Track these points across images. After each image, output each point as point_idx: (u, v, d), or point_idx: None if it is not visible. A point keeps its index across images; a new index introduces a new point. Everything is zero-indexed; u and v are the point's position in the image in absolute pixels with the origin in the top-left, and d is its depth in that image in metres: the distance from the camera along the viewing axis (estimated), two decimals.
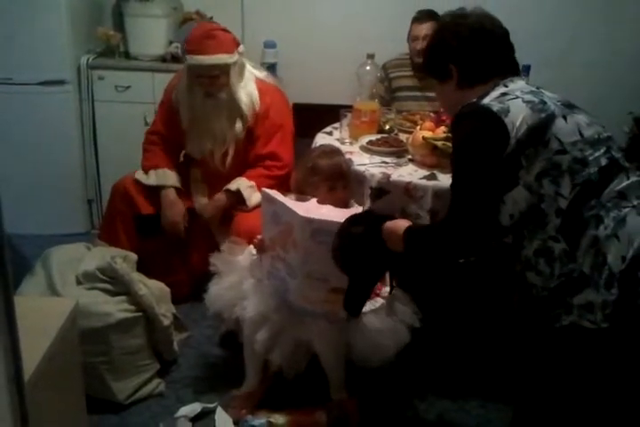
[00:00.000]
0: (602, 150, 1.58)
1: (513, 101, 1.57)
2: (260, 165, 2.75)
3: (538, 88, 1.67)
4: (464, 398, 2.42)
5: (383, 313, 2.15)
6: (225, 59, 2.59)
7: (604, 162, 1.56)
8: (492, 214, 1.57)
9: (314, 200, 2.15)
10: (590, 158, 1.55)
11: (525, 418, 1.73)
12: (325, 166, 2.17)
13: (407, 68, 3.34)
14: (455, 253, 1.68)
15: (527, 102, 1.57)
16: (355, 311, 1.94)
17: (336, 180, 2.16)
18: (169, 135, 2.86)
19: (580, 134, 1.57)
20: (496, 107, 1.55)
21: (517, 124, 1.52)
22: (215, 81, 2.62)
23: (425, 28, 3.19)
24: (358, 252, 1.82)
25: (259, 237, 2.18)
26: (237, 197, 2.70)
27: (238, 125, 2.71)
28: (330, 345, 2.16)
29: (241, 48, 2.69)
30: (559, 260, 1.53)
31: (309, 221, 1.94)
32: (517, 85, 1.64)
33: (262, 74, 2.83)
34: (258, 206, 2.59)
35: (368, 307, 2.07)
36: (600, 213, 1.52)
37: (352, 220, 1.86)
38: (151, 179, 2.79)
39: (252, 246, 2.26)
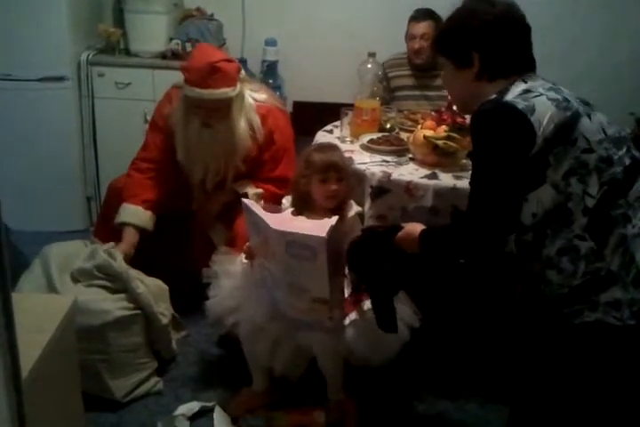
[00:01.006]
0: (624, 149, 1.57)
1: (538, 99, 1.54)
2: (270, 183, 2.70)
3: (555, 84, 1.64)
4: (463, 399, 2.41)
5: None
6: (228, 92, 2.46)
7: (627, 161, 1.56)
8: (512, 215, 1.55)
9: (289, 211, 2.14)
10: (615, 157, 1.54)
11: (534, 414, 1.71)
12: (317, 159, 2.16)
13: (405, 68, 3.34)
14: (472, 254, 1.66)
15: (552, 100, 1.54)
16: (391, 328, 1.91)
17: (328, 172, 2.14)
18: (166, 161, 2.70)
19: (604, 133, 1.56)
20: (521, 104, 1.52)
21: (544, 122, 1.50)
22: (214, 113, 2.51)
23: (422, 27, 3.20)
24: (373, 271, 1.81)
25: (247, 244, 2.16)
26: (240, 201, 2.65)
27: (237, 156, 2.60)
28: (328, 351, 2.15)
29: (242, 74, 2.58)
30: (585, 258, 1.52)
31: (282, 233, 1.90)
32: (537, 82, 1.61)
33: (261, 96, 2.67)
34: None
35: (366, 307, 2.07)
36: (628, 212, 1.52)
37: (360, 243, 1.84)
38: (120, 215, 2.61)
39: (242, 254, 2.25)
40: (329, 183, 2.14)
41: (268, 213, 2.00)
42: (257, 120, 2.59)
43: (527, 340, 1.73)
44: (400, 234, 1.75)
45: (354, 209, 2.23)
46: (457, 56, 1.68)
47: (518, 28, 1.64)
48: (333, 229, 1.84)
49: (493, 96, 1.60)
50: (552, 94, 1.56)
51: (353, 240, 1.90)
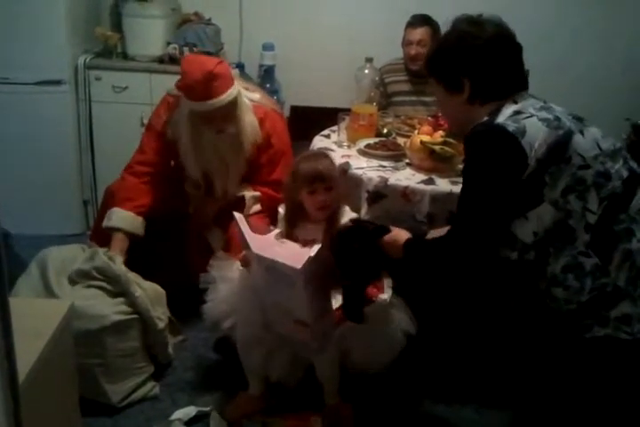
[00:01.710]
0: (620, 162, 1.57)
1: (528, 120, 1.54)
2: (267, 186, 2.69)
3: (545, 102, 1.64)
4: (458, 404, 2.41)
5: (379, 320, 2.13)
6: (231, 94, 2.45)
7: (625, 174, 1.56)
8: (495, 234, 1.56)
9: (273, 233, 2.10)
10: (612, 171, 1.55)
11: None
12: (303, 170, 2.13)
13: (402, 73, 3.34)
14: (453, 269, 1.67)
15: (543, 120, 1.54)
16: (357, 318, 1.90)
17: (314, 183, 2.11)
18: (162, 164, 2.70)
19: (599, 148, 1.56)
20: (512, 127, 1.52)
21: (536, 144, 1.50)
22: (227, 117, 2.49)
23: (419, 33, 3.19)
24: (353, 261, 1.81)
25: (244, 252, 2.15)
26: (237, 203, 2.65)
27: (242, 156, 2.61)
28: (326, 361, 2.16)
29: (235, 71, 2.60)
30: (591, 275, 1.52)
31: (261, 258, 1.90)
32: (528, 102, 1.61)
33: (256, 96, 2.66)
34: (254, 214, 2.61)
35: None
36: (631, 226, 1.53)
37: (346, 234, 1.83)
38: (110, 219, 2.58)
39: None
40: (317, 194, 2.11)
41: (253, 234, 1.98)
42: (255, 122, 2.58)
43: (538, 353, 1.72)
44: (386, 238, 1.76)
45: (348, 216, 2.21)
46: (447, 81, 1.68)
47: (509, 50, 1.63)
48: (313, 259, 1.79)
49: (485, 118, 1.61)
50: (543, 114, 1.57)
51: (340, 229, 1.89)
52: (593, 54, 3.69)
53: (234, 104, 2.48)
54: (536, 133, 1.51)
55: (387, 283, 2.16)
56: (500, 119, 1.56)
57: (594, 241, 1.51)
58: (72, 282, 2.31)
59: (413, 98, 3.29)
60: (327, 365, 2.17)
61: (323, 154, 2.27)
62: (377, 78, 3.21)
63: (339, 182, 2.20)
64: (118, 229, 2.56)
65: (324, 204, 2.12)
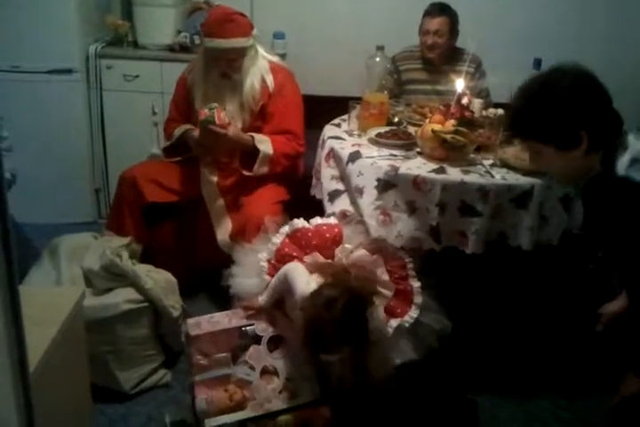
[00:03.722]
0: None
1: None
2: (280, 134, 2.78)
3: None
4: (473, 394, 2.39)
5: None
6: (242, 42, 2.65)
7: None
8: None
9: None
10: None
11: None
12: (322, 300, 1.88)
13: (417, 61, 3.31)
14: None
15: None
16: None
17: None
18: (182, 117, 2.88)
19: None
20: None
21: None
22: (232, 63, 2.68)
23: (437, 23, 3.14)
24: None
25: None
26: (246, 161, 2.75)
27: (247, 107, 2.74)
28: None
29: (254, 31, 2.73)
30: None
31: None
32: (636, 145, 1.55)
33: (274, 57, 2.88)
34: (263, 182, 2.75)
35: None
36: None
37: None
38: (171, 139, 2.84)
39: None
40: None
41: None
42: (268, 72, 2.77)
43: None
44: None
45: None
46: (560, 138, 1.57)
47: (599, 87, 1.57)
48: None
49: (598, 167, 1.56)
50: None
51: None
52: (602, 46, 3.63)
53: (242, 53, 2.68)
54: None
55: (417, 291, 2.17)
56: (621, 169, 1.52)
57: None
58: (87, 282, 2.31)
59: (427, 87, 3.26)
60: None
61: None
62: (390, 66, 3.20)
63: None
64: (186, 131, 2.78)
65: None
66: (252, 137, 2.72)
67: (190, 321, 2.18)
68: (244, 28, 2.67)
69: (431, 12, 3.19)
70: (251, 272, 2.25)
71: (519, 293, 2.51)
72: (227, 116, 2.62)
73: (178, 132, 2.82)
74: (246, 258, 2.28)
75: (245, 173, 2.74)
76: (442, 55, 3.20)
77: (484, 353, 2.57)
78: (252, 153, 2.72)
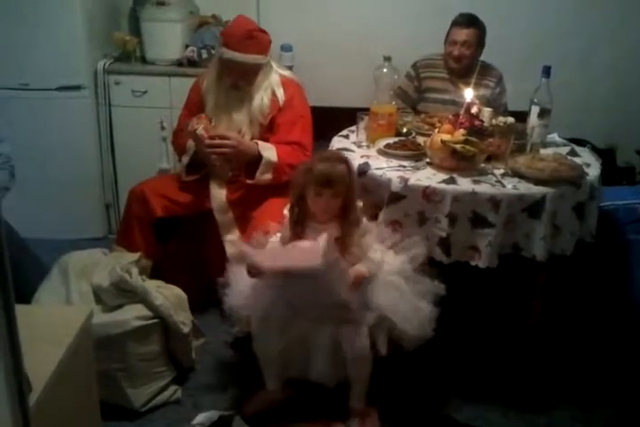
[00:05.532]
0: None
1: None
2: (287, 144, 2.76)
3: None
4: (484, 407, 2.37)
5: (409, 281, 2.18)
6: (259, 59, 2.70)
7: None
8: None
9: (276, 241, 2.18)
10: None
11: None
12: (317, 170, 2.09)
13: (439, 70, 3.26)
14: None
15: None
16: None
17: (323, 186, 2.08)
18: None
19: None
20: None
21: None
22: (245, 76, 2.71)
23: (465, 34, 3.09)
24: None
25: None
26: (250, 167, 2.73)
27: (256, 121, 2.75)
28: (358, 350, 2.12)
29: (271, 47, 2.77)
30: None
31: (276, 272, 1.98)
32: None
33: (286, 72, 2.90)
34: (271, 195, 2.72)
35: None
36: None
37: None
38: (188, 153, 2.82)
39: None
40: (322, 198, 2.09)
41: (257, 251, 2.06)
42: (279, 85, 2.80)
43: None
44: None
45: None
46: None
47: None
48: (326, 250, 1.83)
49: None
50: None
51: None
52: (616, 48, 3.61)
53: (256, 70, 2.72)
54: None
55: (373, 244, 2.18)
56: None
57: None
58: (97, 299, 2.29)
59: (446, 97, 3.21)
60: (360, 362, 2.14)
61: (341, 159, 2.19)
62: (411, 71, 3.18)
63: (351, 189, 2.14)
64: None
65: (325, 209, 2.12)
66: (257, 144, 2.71)
67: None
68: (263, 47, 2.71)
69: (460, 22, 3.13)
70: (242, 288, 2.24)
71: (534, 304, 2.47)
72: (201, 123, 2.63)
73: (191, 143, 2.80)
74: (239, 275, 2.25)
75: (248, 181, 2.73)
76: (466, 67, 3.16)
77: (493, 365, 2.53)
78: (257, 162, 2.71)
